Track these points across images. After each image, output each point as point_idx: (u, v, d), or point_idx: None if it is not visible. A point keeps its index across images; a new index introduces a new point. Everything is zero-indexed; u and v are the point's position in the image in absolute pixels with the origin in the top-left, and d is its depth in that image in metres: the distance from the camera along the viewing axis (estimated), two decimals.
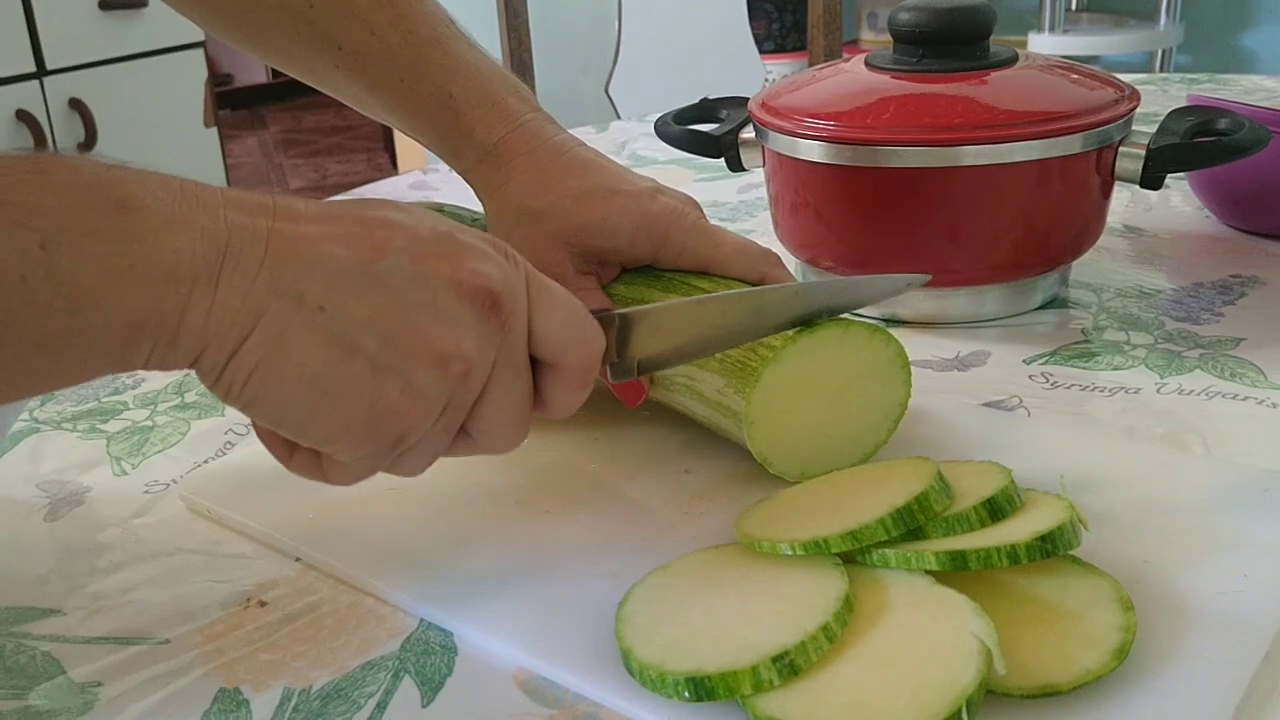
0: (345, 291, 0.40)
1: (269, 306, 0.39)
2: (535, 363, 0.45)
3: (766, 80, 2.54)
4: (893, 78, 0.71)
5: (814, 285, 0.52)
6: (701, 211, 0.59)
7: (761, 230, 0.91)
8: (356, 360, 0.40)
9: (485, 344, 0.42)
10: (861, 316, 0.74)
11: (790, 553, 0.44)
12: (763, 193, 0.84)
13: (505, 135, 0.59)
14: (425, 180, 1.13)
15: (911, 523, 0.43)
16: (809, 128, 0.69)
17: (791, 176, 0.73)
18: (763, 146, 0.75)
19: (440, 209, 0.65)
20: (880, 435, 0.54)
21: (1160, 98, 1.20)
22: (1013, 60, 0.72)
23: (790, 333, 0.51)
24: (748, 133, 0.77)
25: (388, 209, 0.43)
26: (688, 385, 0.54)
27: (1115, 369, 0.65)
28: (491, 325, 0.42)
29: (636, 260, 0.58)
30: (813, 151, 0.69)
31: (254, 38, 0.64)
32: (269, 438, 0.44)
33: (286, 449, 0.44)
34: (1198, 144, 0.69)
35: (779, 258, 0.58)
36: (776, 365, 0.50)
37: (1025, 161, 0.67)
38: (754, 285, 0.56)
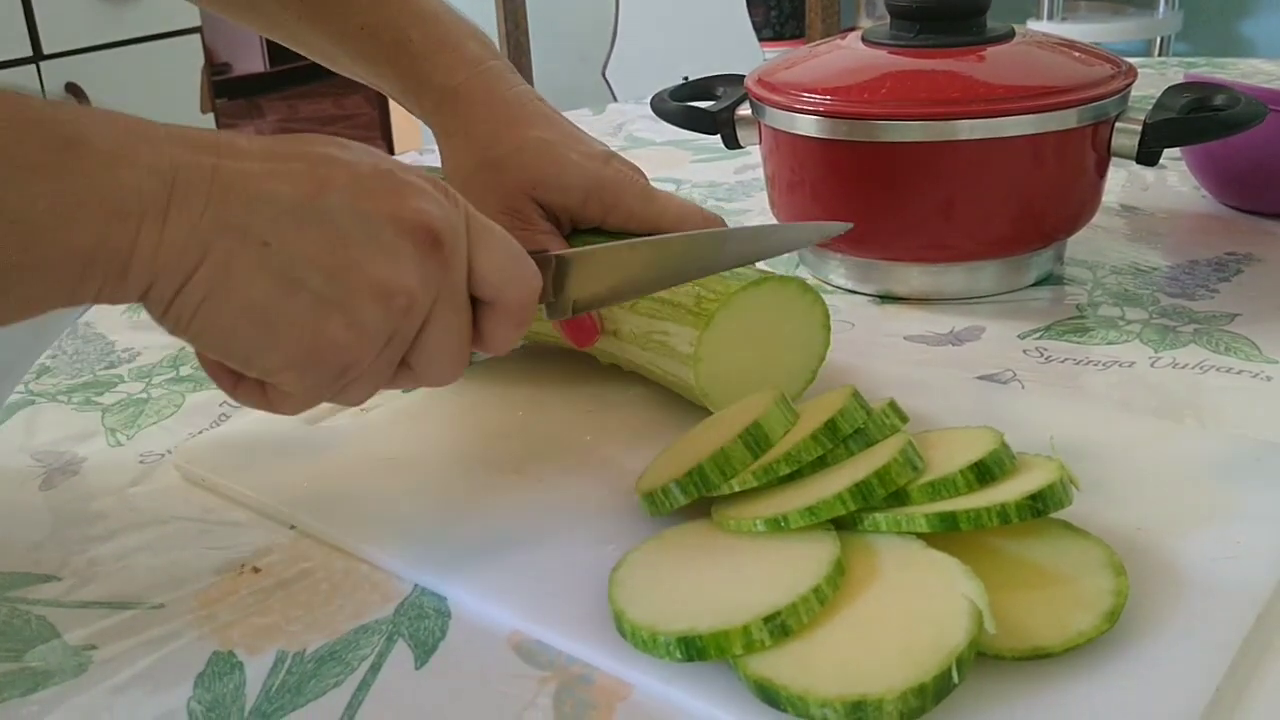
0: (289, 227, 0.40)
1: (215, 242, 0.39)
2: (474, 301, 0.45)
3: None
4: (889, 53, 0.71)
5: (737, 231, 0.55)
6: (647, 179, 0.60)
7: (758, 209, 0.91)
8: (301, 295, 0.41)
9: (427, 280, 0.43)
10: (857, 290, 0.74)
11: (756, 529, 0.43)
12: (759, 173, 0.84)
13: (465, 80, 0.60)
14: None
15: (871, 497, 0.43)
16: (805, 103, 0.69)
17: (788, 152, 0.73)
18: (759, 123, 0.75)
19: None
20: (800, 384, 0.59)
21: (1158, 81, 1.20)
22: (1009, 36, 0.71)
23: (737, 285, 0.54)
24: (744, 109, 0.77)
25: (331, 146, 0.43)
26: (662, 342, 0.56)
27: (1109, 343, 0.65)
28: (433, 262, 0.43)
29: (586, 221, 0.60)
30: (809, 126, 0.69)
31: None
32: (214, 368, 0.45)
33: (232, 379, 0.45)
34: (1194, 118, 0.69)
35: (723, 221, 0.60)
36: (726, 310, 0.54)
37: (1021, 136, 0.67)
38: None
